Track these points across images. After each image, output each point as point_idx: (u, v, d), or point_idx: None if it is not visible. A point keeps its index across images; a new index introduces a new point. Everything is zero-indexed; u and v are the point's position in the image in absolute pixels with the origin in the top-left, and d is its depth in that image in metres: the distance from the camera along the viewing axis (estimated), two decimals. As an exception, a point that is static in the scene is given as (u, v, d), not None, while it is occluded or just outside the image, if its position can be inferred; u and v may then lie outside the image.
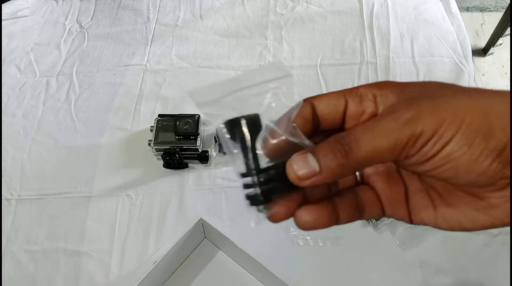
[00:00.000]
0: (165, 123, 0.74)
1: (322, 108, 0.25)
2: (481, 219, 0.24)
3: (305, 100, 0.26)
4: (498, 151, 0.20)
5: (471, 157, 0.21)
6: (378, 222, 0.65)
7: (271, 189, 0.25)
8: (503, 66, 1.71)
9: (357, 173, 0.27)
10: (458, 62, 0.86)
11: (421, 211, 0.27)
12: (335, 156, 0.22)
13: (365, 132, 0.22)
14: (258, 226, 0.27)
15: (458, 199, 0.24)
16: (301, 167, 0.23)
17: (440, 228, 0.27)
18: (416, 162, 0.22)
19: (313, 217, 0.26)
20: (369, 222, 0.65)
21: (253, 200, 0.26)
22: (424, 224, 0.27)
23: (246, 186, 0.25)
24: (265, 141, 0.24)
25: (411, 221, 0.27)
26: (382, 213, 0.27)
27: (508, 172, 0.21)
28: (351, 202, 0.26)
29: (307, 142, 0.24)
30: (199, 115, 0.75)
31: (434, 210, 0.26)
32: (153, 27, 0.97)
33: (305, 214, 0.26)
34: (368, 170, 0.27)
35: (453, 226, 0.25)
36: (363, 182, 0.27)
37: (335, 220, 0.26)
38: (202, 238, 0.66)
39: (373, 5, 0.97)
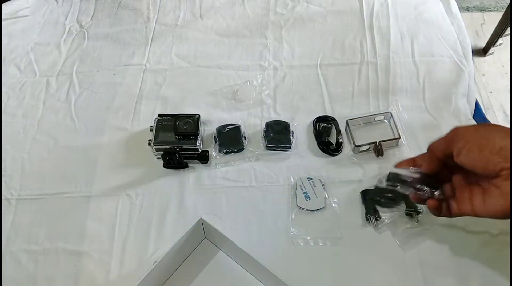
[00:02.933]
0: (165, 123, 0.74)
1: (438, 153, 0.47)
2: (502, 203, 0.38)
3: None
4: (497, 149, 0.37)
5: (476, 154, 0.39)
6: (378, 222, 0.65)
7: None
8: (503, 66, 1.71)
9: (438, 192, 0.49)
10: (458, 62, 0.86)
11: (478, 207, 0.42)
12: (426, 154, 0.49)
13: (435, 142, 0.48)
14: None
15: (491, 191, 0.40)
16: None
17: (488, 216, 0.42)
18: (455, 154, 0.43)
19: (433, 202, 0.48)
20: (369, 222, 0.65)
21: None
22: (480, 216, 0.43)
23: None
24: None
25: (473, 215, 0.43)
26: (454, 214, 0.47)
27: (507, 165, 0.36)
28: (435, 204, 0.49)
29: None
30: (199, 115, 0.75)
31: (484, 205, 0.41)
32: (153, 27, 0.97)
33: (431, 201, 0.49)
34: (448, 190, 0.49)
35: (493, 213, 0.40)
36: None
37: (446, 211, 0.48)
38: (202, 238, 0.66)
39: (373, 5, 0.97)
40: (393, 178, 0.52)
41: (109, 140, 0.78)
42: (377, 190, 0.62)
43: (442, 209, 0.48)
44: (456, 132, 0.42)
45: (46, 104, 0.85)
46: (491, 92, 1.61)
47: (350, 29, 0.94)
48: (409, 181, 0.50)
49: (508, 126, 0.41)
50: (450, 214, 0.47)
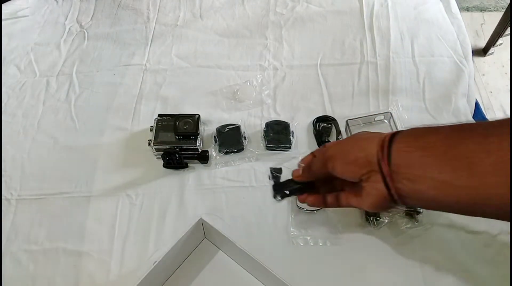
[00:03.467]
0: (165, 123, 0.74)
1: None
2: (368, 200, 0.48)
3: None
4: (353, 161, 0.48)
5: (341, 168, 0.49)
6: (378, 222, 0.65)
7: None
8: (503, 66, 1.71)
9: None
10: (458, 62, 0.86)
11: (345, 203, 0.54)
12: (307, 171, 0.57)
13: (314, 161, 0.55)
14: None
15: (359, 192, 0.49)
16: (298, 171, 0.58)
17: (358, 208, 0.52)
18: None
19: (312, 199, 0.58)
20: (369, 222, 0.65)
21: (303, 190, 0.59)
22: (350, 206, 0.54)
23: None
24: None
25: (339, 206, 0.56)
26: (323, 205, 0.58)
27: (363, 170, 0.46)
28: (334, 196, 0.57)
29: None
30: (199, 115, 0.75)
31: (361, 198, 0.50)
32: (153, 27, 0.97)
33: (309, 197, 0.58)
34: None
35: (363, 207, 0.51)
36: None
37: (324, 203, 0.57)
38: (202, 238, 0.66)
39: (373, 5, 0.97)
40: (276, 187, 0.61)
41: (109, 140, 0.78)
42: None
43: (326, 201, 0.56)
44: (326, 154, 0.51)
45: (46, 104, 0.85)
46: (491, 92, 1.61)
47: (350, 29, 0.94)
48: (289, 192, 0.59)
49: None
50: (338, 205, 0.55)
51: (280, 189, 0.59)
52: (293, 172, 0.58)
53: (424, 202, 0.44)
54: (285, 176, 0.61)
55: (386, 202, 0.46)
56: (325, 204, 0.57)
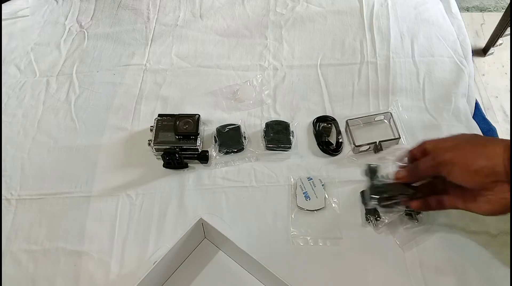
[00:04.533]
0: (165, 123, 0.74)
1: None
2: (487, 207, 0.49)
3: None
4: (477, 171, 0.47)
5: (462, 176, 0.50)
6: (378, 222, 0.65)
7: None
8: (503, 66, 1.71)
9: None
10: (458, 62, 0.86)
11: (470, 203, 0.52)
12: (412, 172, 0.57)
13: (420, 162, 0.55)
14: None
15: (475, 199, 0.50)
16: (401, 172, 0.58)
17: (472, 211, 0.52)
18: (445, 176, 0.52)
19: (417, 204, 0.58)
20: (369, 222, 0.65)
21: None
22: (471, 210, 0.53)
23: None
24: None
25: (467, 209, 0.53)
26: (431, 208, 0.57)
27: (487, 180, 0.47)
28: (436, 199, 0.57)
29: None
30: (199, 115, 0.75)
31: (475, 202, 0.51)
32: (153, 27, 0.97)
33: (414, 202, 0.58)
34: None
35: (477, 212, 0.51)
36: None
37: (427, 207, 0.57)
38: (202, 238, 0.66)
39: (373, 5, 0.97)
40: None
41: (109, 140, 0.78)
42: (372, 189, 0.62)
43: (430, 205, 0.57)
44: (440, 157, 0.51)
45: (46, 104, 0.85)
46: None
47: (350, 29, 0.94)
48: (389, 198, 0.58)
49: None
50: (442, 208, 0.56)
51: (377, 192, 0.58)
52: (396, 173, 0.58)
53: None
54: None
55: (507, 210, 0.47)
56: (428, 208, 0.57)
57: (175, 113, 0.75)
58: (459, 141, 0.52)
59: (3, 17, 1.00)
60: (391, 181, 0.59)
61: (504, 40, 1.68)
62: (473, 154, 0.48)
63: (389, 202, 0.59)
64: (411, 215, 0.65)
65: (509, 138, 0.49)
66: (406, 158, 0.59)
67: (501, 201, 0.47)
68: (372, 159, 0.73)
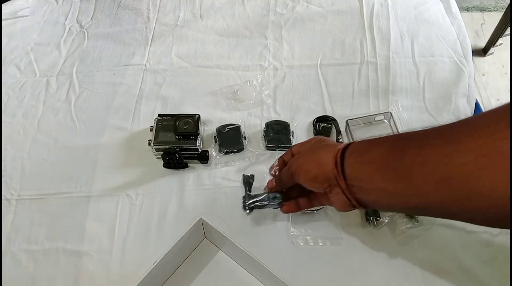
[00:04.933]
0: (165, 123, 0.74)
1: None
2: (335, 206, 0.54)
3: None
4: (313, 178, 0.53)
5: (307, 183, 0.55)
6: (378, 222, 0.65)
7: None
8: (503, 66, 1.71)
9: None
10: (458, 62, 0.86)
11: (324, 201, 0.58)
12: (278, 182, 0.63)
13: (282, 173, 0.62)
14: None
15: (327, 197, 0.55)
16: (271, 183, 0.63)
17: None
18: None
19: (288, 208, 0.63)
20: (369, 222, 0.65)
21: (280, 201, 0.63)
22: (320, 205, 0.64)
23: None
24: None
25: (311, 205, 0.62)
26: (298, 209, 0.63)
27: (325, 186, 0.52)
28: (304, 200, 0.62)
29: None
30: (199, 115, 0.75)
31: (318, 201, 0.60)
32: (153, 27, 0.97)
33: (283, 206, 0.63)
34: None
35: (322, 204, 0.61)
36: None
37: (298, 208, 0.62)
38: (202, 238, 0.66)
39: (373, 5, 0.97)
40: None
41: (109, 140, 0.78)
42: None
43: (299, 206, 0.61)
44: (290, 169, 0.56)
45: (46, 104, 0.85)
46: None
47: (350, 29, 0.94)
48: (261, 204, 0.62)
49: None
50: (312, 205, 0.61)
51: (250, 202, 0.62)
52: (268, 183, 0.63)
53: (380, 207, 0.57)
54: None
55: (350, 207, 0.52)
56: (298, 208, 0.62)
57: (175, 113, 0.75)
58: (307, 147, 0.58)
59: (3, 17, 1.00)
60: (264, 192, 0.64)
61: (504, 40, 1.69)
62: (310, 163, 0.54)
63: (262, 208, 0.63)
64: (411, 215, 0.65)
65: None
66: (277, 168, 0.63)
67: (339, 201, 0.52)
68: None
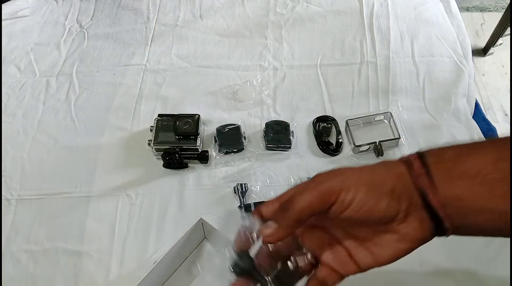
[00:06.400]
0: (165, 123, 0.74)
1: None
2: (402, 247, 0.35)
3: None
4: (389, 192, 0.32)
5: (373, 202, 0.32)
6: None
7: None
8: (503, 66, 1.71)
9: (309, 257, 0.37)
10: (458, 62, 0.86)
11: (364, 261, 0.37)
12: (284, 214, 0.34)
13: (297, 193, 0.34)
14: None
15: (381, 239, 0.35)
16: (267, 229, 0.34)
17: (380, 265, 0.37)
18: (337, 210, 0.33)
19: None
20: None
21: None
22: (371, 268, 0.37)
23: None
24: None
25: (360, 269, 0.38)
26: (340, 277, 0.37)
27: (402, 206, 0.33)
28: (316, 284, 0.36)
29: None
30: (199, 115, 0.75)
31: (372, 255, 0.36)
32: (153, 27, 0.97)
33: None
34: (317, 249, 0.37)
35: (389, 260, 0.36)
36: (317, 264, 0.37)
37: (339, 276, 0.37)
38: (202, 238, 0.66)
39: (373, 5, 0.97)
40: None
41: (109, 140, 0.78)
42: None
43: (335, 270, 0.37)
44: (324, 184, 0.33)
45: (46, 104, 0.85)
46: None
47: (350, 29, 0.94)
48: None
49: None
50: (359, 269, 0.38)
51: (246, 263, 0.37)
52: (261, 231, 0.35)
53: (487, 233, 0.35)
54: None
55: (421, 244, 0.36)
56: (340, 276, 0.37)
57: (175, 113, 0.75)
58: (340, 169, 0.35)
59: (3, 17, 1.00)
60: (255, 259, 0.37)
61: (504, 40, 1.68)
62: (370, 173, 0.34)
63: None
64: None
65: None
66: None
67: (422, 231, 0.34)
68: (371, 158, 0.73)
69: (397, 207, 0.33)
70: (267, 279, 0.36)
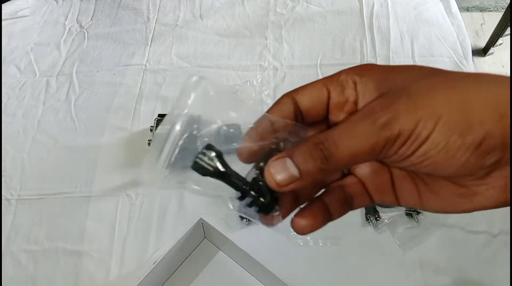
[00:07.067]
0: (165, 123, 0.74)
1: (306, 102, 0.26)
2: (463, 204, 0.24)
3: (286, 95, 0.27)
4: (475, 145, 0.20)
5: (448, 154, 0.20)
6: (378, 222, 0.65)
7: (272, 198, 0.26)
8: (503, 66, 1.71)
9: None
10: (458, 62, 0.86)
11: (407, 197, 0.26)
12: (315, 162, 0.22)
13: (344, 137, 0.22)
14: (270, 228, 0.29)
15: (441, 186, 0.24)
16: (279, 172, 0.23)
17: (424, 210, 0.28)
18: (395, 160, 0.22)
19: (309, 222, 0.27)
20: (369, 222, 0.65)
21: (263, 210, 0.27)
22: (410, 206, 0.27)
23: (248, 204, 0.26)
24: (240, 149, 0.26)
25: (398, 204, 0.27)
26: (371, 201, 0.27)
27: (487, 162, 0.21)
28: (340, 197, 0.27)
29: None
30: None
31: (419, 196, 0.25)
32: (153, 27, 0.97)
33: (302, 220, 0.27)
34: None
35: (437, 210, 0.25)
36: (349, 172, 0.27)
37: (328, 218, 0.28)
38: (202, 238, 0.66)
39: (373, 5, 0.97)
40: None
41: (109, 140, 0.78)
42: None
43: (332, 214, 0.28)
44: (404, 125, 0.20)
45: (46, 104, 0.85)
46: None
47: (350, 29, 0.94)
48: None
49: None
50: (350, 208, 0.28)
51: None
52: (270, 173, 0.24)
53: None
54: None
55: (498, 207, 0.23)
56: (329, 219, 0.28)
57: (175, 113, 0.75)
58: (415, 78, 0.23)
59: (3, 17, 1.00)
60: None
61: (504, 40, 1.68)
62: (469, 105, 0.20)
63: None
64: (411, 215, 0.65)
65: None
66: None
67: (498, 198, 0.22)
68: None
69: (479, 163, 0.21)
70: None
